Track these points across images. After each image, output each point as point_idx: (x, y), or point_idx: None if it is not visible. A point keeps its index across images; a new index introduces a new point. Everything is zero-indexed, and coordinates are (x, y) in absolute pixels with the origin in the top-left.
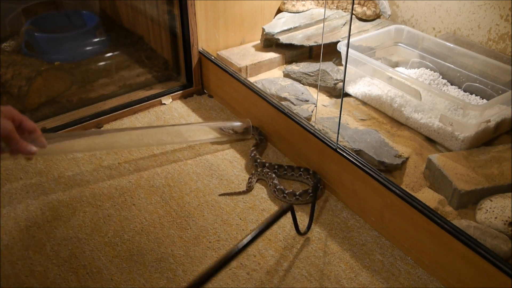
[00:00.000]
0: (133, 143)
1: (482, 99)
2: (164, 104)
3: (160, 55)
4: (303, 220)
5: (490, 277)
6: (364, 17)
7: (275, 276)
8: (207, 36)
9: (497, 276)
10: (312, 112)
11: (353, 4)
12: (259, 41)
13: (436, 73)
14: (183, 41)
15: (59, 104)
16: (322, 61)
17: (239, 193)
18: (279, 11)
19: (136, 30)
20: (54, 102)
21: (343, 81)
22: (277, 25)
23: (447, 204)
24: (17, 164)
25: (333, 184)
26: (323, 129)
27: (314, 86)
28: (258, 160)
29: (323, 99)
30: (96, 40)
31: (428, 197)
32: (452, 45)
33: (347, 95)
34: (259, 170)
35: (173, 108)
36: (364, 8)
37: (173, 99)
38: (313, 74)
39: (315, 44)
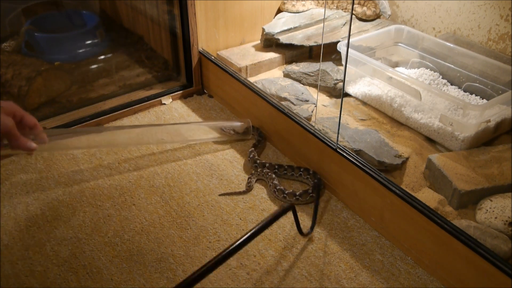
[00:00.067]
0: (133, 141)
1: (482, 99)
2: (164, 104)
3: (160, 55)
4: (302, 220)
5: (490, 277)
6: (364, 17)
7: (275, 276)
8: (207, 36)
9: (497, 276)
10: (312, 112)
11: (353, 4)
12: (259, 41)
13: (436, 73)
14: (183, 41)
15: (59, 104)
16: (322, 61)
17: (239, 193)
18: (279, 11)
19: (136, 30)
20: (54, 102)
21: (343, 81)
22: (277, 25)
23: (447, 204)
24: (17, 164)
25: (333, 184)
26: (323, 129)
27: (314, 86)
28: (258, 161)
29: (323, 99)
30: (96, 40)
31: (428, 197)
32: (452, 45)
33: (347, 95)
34: (259, 170)
35: (173, 108)
36: (364, 8)
37: (173, 99)
38: (313, 74)
39: (315, 44)
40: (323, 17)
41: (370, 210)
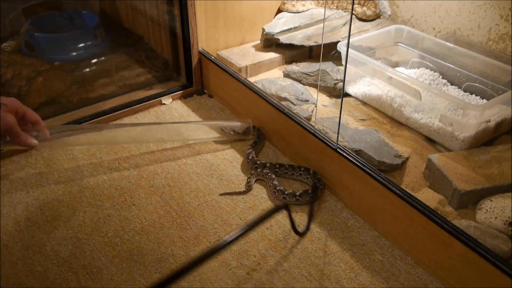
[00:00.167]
0: (134, 140)
1: (482, 99)
2: (164, 104)
3: (160, 55)
4: (303, 220)
5: (490, 277)
6: (364, 17)
7: (275, 276)
8: (207, 36)
9: (497, 276)
10: (312, 112)
11: (353, 4)
12: (259, 41)
13: (436, 73)
14: (183, 41)
15: (59, 104)
16: (322, 61)
17: (239, 193)
18: (279, 11)
19: (136, 30)
20: (54, 102)
21: (343, 81)
22: (277, 25)
23: (447, 204)
24: (17, 163)
25: (333, 184)
26: (323, 129)
27: (314, 86)
28: (258, 162)
29: (323, 99)
30: (96, 40)
31: (428, 197)
32: (452, 45)
33: (347, 95)
34: (258, 170)
35: (173, 108)
36: (364, 8)
37: (173, 99)
38: (313, 74)
39: (315, 44)
40: (323, 17)
41: (370, 210)
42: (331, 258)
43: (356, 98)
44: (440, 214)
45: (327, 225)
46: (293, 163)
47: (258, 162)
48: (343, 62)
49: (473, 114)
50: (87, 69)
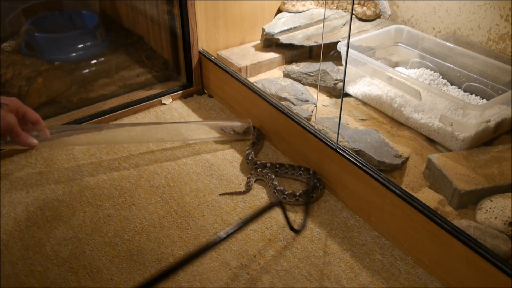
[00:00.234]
0: (134, 140)
1: (482, 99)
2: (164, 104)
3: (160, 55)
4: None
5: (490, 277)
6: (364, 17)
7: (275, 276)
8: (207, 36)
9: (497, 276)
10: (312, 112)
11: (353, 4)
12: (259, 41)
13: (436, 73)
14: (183, 41)
15: (59, 104)
16: (322, 61)
17: (239, 193)
18: (279, 11)
19: (136, 30)
20: (54, 102)
21: (343, 81)
22: (277, 25)
23: (447, 204)
24: (17, 163)
25: (333, 184)
26: (323, 129)
27: (314, 86)
28: (259, 162)
29: (323, 99)
30: (96, 40)
31: (428, 197)
32: (452, 45)
33: (347, 95)
34: (258, 171)
35: (173, 108)
36: (364, 8)
37: (173, 99)
38: (313, 74)
39: (315, 44)
40: (323, 17)
41: (370, 210)
42: (331, 258)
43: (356, 98)
44: (440, 214)
45: (327, 225)
46: (293, 163)
47: (259, 162)
48: (343, 62)
49: (473, 114)
50: (87, 69)
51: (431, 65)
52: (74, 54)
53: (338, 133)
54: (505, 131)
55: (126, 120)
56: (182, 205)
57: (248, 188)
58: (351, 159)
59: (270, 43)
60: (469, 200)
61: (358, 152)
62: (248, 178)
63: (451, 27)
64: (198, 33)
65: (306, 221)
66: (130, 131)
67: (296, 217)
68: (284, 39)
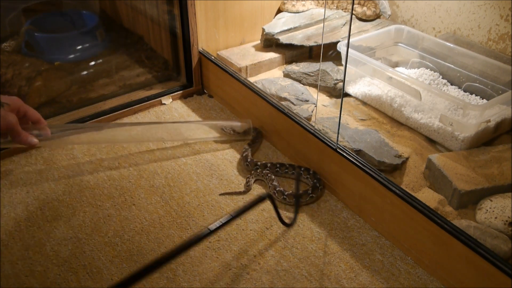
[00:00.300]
0: (134, 139)
1: (482, 99)
2: (164, 104)
3: (160, 55)
4: (303, 220)
5: (490, 277)
6: (364, 17)
7: (275, 276)
8: (207, 36)
9: (497, 276)
10: (312, 112)
11: (353, 4)
12: (259, 41)
13: (436, 73)
14: (183, 41)
15: (59, 104)
16: (322, 61)
17: (239, 193)
18: (279, 11)
19: (136, 30)
20: (54, 102)
21: (343, 81)
22: (277, 25)
23: (447, 204)
24: (17, 163)
25: (333, 184)
26: (323, 129)
27: (314, 86)
28: (259, 163)
29: (323, 99)
30: (96, 40)
31: (428, 197)
32: (452, 45)
33: (347, 95)
34: (258, 171)
35: (173, 108)
36: (364, 8)
37: (173, 99)
38: (313, 74)
39: (315, 44)
40: (323, 17)
41: (370, 210)
42: (331, 258)
43: (356, 98)
44: (440, 214)
45: (327, 225)
46: (293, 163)
47: (259, 163)
48: (343, 62)
49: (473, 114)
50: (87, 69)
51: (431, 65)
52: (74, 54)
53: (338, 133)
54: (505, 131)
55: (126, 120)
56: (182, 205)
57: (248, 188)
58: (351, 159)
59: (270, 43)
60: (469, 200)
61: (358, 152)
62: (247, 178)
63: (451, 27)
64: (198, 33)
65: (297, 215)
66: (130, 130)
67: (295, 215)
68: (284, 39)
